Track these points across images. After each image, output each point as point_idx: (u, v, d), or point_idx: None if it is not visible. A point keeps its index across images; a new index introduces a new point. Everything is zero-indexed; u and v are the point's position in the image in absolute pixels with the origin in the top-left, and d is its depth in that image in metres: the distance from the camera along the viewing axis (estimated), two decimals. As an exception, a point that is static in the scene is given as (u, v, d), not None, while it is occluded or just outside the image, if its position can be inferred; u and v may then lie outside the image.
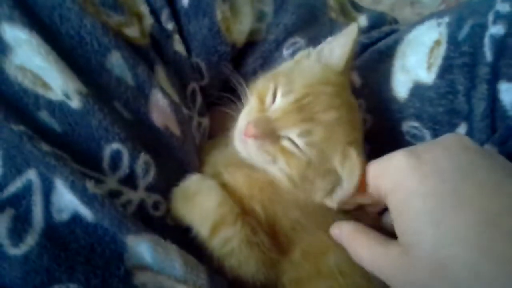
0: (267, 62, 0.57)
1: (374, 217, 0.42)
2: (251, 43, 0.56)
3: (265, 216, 0.42)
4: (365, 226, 0.38)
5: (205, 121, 0.54)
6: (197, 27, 0.50)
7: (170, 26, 0.48)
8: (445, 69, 0.45)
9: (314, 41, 0.54)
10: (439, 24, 0.48)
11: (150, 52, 0.46)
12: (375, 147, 0.41)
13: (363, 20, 0.65)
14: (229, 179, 0.44)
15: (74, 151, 0.36)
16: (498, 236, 0.28)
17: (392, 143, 0.42)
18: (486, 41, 0.42)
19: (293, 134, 0.40)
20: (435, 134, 0.47)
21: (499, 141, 0.41)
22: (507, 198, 0.29)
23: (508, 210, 0.29)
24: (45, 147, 0.34)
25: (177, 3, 0.49)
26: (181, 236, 0.40)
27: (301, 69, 0.47)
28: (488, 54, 0.42)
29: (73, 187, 0.33)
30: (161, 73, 0.46)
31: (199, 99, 0.53)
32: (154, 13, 0.47)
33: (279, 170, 0.41)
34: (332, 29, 0.59)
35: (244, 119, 0.43)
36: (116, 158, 0.38)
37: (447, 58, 0.45)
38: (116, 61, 0.41)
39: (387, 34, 0.58)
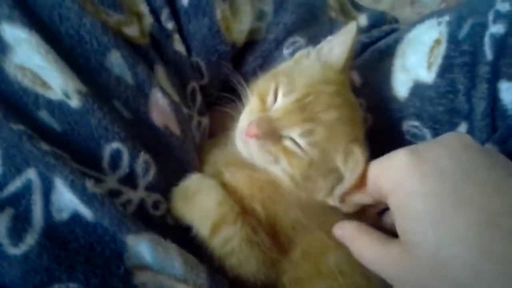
0: (267, 61, 0.57)
1: (374, 217, 0.43)
2: (251, 43, 0.56)
3: (265, 215, 0.42)
4: (367, 225, 0.38)
5: (205, 120, 0.54)
6: (196, 26, 0.50)
7: (170, 25, 0.48)
8: (445, 68, 0.45)
9: (314, 40, 0.54)
10: (439, 23, 0.48)
11: (150, 51, 0.46)
12: (375, 147, 0.41)
13: (363, 19, 0.65)
14: (230, 178, 0.44)
15: (74, 150, 0.36)
16: (498, 236, 0.28)
17: (392, 142, 0.42)
18: (486, 40, 0.42)
19: (295, 134, 0.40)
20: (436, 133, 0.47)
21: (500, 140, 0.40)
22: (507, 198, 0.29)
23: (508, 210, 0.29)
24: (45, 146, 0.34)
25: (177, 3, 0.49)
26: (181, 235, 0.40)
27: (301, 69, 0.47)
28: (488, 53, 0.42)
29: (72, 186, 0.33)
30: (161, 72, 0.46)
31: (199, 98, 0.53)
32: (154, 12, 0.47)
33: (281, 170, 0.41)
34: (332, 28, 0.59)
35: (246, 119, 0.43)
36: (116, 157, 0.38)
37: (447, 57, 0.45)
38: (116, 60, 0.40)
39: (387, 33, 0.58)
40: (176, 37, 0.49)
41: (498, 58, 0.41)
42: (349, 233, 0.38)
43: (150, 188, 0.40)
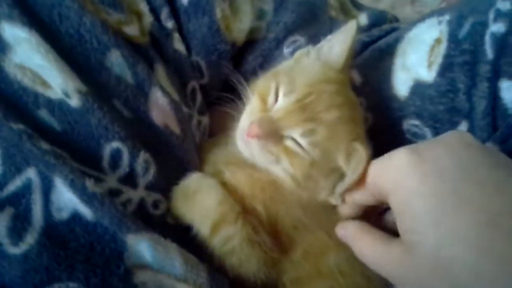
0: (267, 60, 0.57)
1: (375, 217, 0.42)
2: (251, 42, 0.56)
3: (266, 215, 0.42)
4: (369, 225, 0.38)
5: (205, 119, 0.54)
6: (196, 25, 0.50)
7: (169, 24, 0.48)
8: (446, 67, 0.45)
9: (314, 39, 0.54)
10: (439, 22, 0.48)
11: (150, 50, 0.46)
12: (376, 146, 0.41)
13: (363, 18, 0.65)
14: (230, 177, 0.44)
15: (74, 149, 0.36)
16: (498, 236, 0.28)
17: (393, 141, 0.42)
18: (487, 39, 0.42)
19: (296, 134, 0.40)
20: (436, 132, 0.47)
21: (500, 139, 0.40)
22: (507, 197, 0.29)
23: (508, 210, 0.28)
24: (45, 145, 0.34)
25: (177, 1, 0.49)
26: (181, 234, 0.40)
27: (301, 68, 0.47)
28: (489, 52, 0.42)
29: (72, 185, 0.33)
30: (160, 71, 0.46)
31: (199, 97, 0.53)
32: (154, 11, 0.47)
33: (282, 170, 0.41)
34: (332, 27, 0.59)
35: (247, 119, 0.43)
36: (116, 156, 0.38)
37: (447, 56, 0.45)
38: (116, 60, 0.40)
39: (388, 32, 0.58)
40: (176, 36, 0.49)
41: (498, 57, 0.41)
42: (351, 232, 0.38)
43: (150, 187, 0.40)
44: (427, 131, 0.48)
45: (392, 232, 0.35)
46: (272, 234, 0.41)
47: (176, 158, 0.45)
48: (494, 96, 0.42)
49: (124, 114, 0.41)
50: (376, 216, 0.41)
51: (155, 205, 0.41)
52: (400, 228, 0.33)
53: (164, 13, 0.47)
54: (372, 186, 0.37)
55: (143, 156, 0.40)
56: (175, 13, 0.49)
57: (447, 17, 0.47)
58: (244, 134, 0.41)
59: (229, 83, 0.50)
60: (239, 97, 0.47)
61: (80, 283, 0.32)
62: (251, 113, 0.44)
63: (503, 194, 0.29)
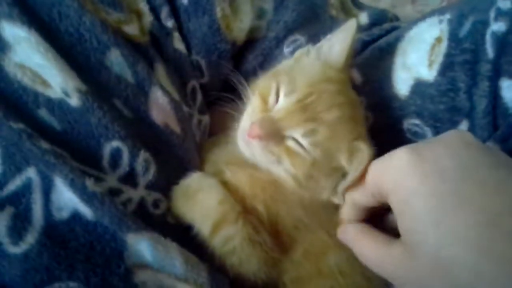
0: (268, 59, 0.57)
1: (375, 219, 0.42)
2: (251, 41, 0.56)
3: (267, 215, 0.41)
4: (369, 227, 0.38)
5: (206, 118, 0.54)
6: (196, 24, 0.50)
7: (169, 23, 0.48)
8: (446, 66, 0.45)
9: (315, 38, 0.54)
10: (440, 21, 0.47)
11: (150, 49, 0.46)
12: (376, 145, 0.41)
13: (363, 17, 0.65)
14: (231, 177, 0.44)
15: (74, 149, 0.36)
16: (498, 236, 0.28)
17: (393, 141, 0.42)
18: (488, 38, 0.42)
19: (297, 134, 0.40)
20: (436, 131, 0.47)
21: (501, 139, 0.40)
22: (507, 197, 0.29)
23: (508, 210, 0.28)
24: (45, 145, 0.34)
25: (177, 1, 0.49)
26: (182, 234, 0.40)
27: (301, 67, 0.47)
28: (489, 51, 0.42)
29: (72, 185, 0.33)
30: (161, 70, 0.46)
31: (199, 96, 0.53)
32: (154, 10, 0.47)
33: (283, 170, 0.41)
34: (332, 26, 0.58)
35: (248, 120, 0.43)
36: (116, 156, 0.38)
37: (448, 55, 0.45)
38: (116, 59, 0.40)
39: (388, 31, 0.58)
40: (176, 35, 0.49)
41: (499, 56, 0.41)
42: (352, 234, 0.38)
43: (150, 186, 0.40)
44: (428, 131, 0.48)
45: (394, 234, 0.35)
46: (272, 234, 0.41)
47: (177, 158, 0.45)
48: (495, 95, 0.42)
49: (124, 114, 0.41)
50: (378, 218, 0.41)
51: (156, 204, 0.41)
52: (401, 228, 0.33)
53: (164, 12, 0.47)
54: (372, 186, 0.37)
55: (143, 155, 0.40)
56: (175, 12, 0.49)
57: (447, 16, 0.47)
58: (245, 135, 0.41)
59: (229, 83, 0.50)
60: (240, 97, 0.47)
61: (80, 283, 0.32)
62: (252, 113, 0.43)
63: (503, 194, 0.29)
